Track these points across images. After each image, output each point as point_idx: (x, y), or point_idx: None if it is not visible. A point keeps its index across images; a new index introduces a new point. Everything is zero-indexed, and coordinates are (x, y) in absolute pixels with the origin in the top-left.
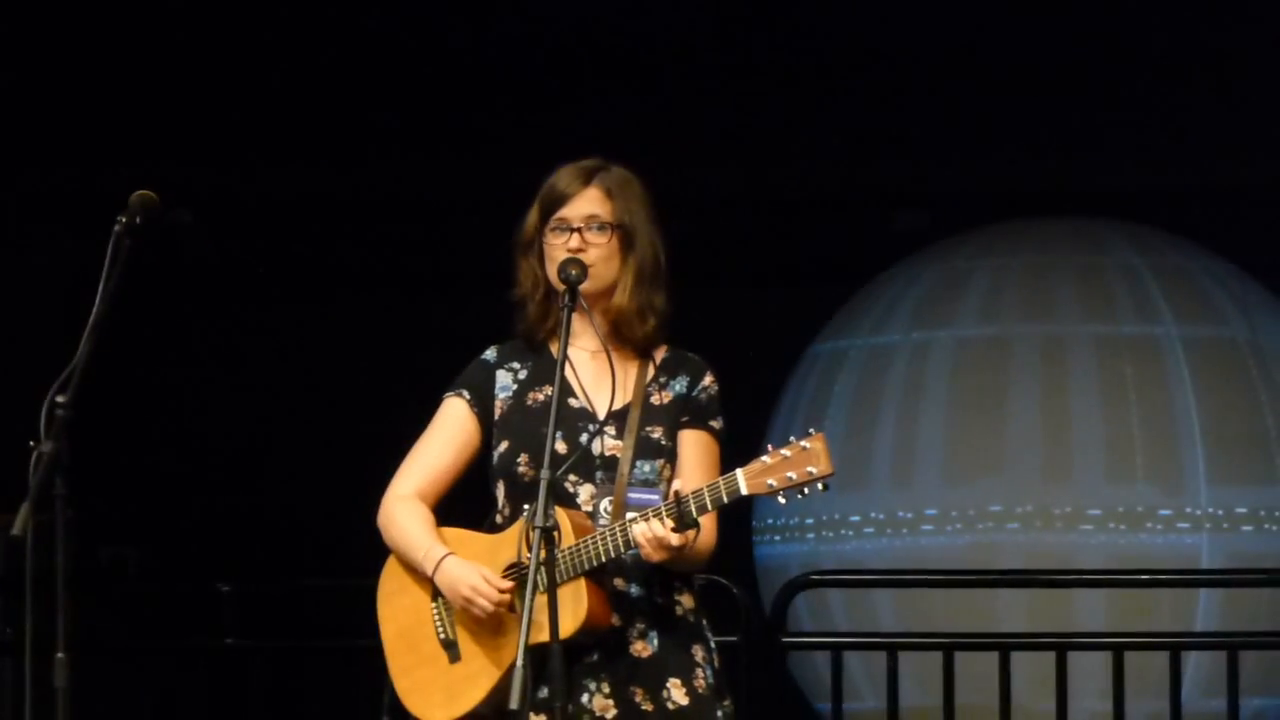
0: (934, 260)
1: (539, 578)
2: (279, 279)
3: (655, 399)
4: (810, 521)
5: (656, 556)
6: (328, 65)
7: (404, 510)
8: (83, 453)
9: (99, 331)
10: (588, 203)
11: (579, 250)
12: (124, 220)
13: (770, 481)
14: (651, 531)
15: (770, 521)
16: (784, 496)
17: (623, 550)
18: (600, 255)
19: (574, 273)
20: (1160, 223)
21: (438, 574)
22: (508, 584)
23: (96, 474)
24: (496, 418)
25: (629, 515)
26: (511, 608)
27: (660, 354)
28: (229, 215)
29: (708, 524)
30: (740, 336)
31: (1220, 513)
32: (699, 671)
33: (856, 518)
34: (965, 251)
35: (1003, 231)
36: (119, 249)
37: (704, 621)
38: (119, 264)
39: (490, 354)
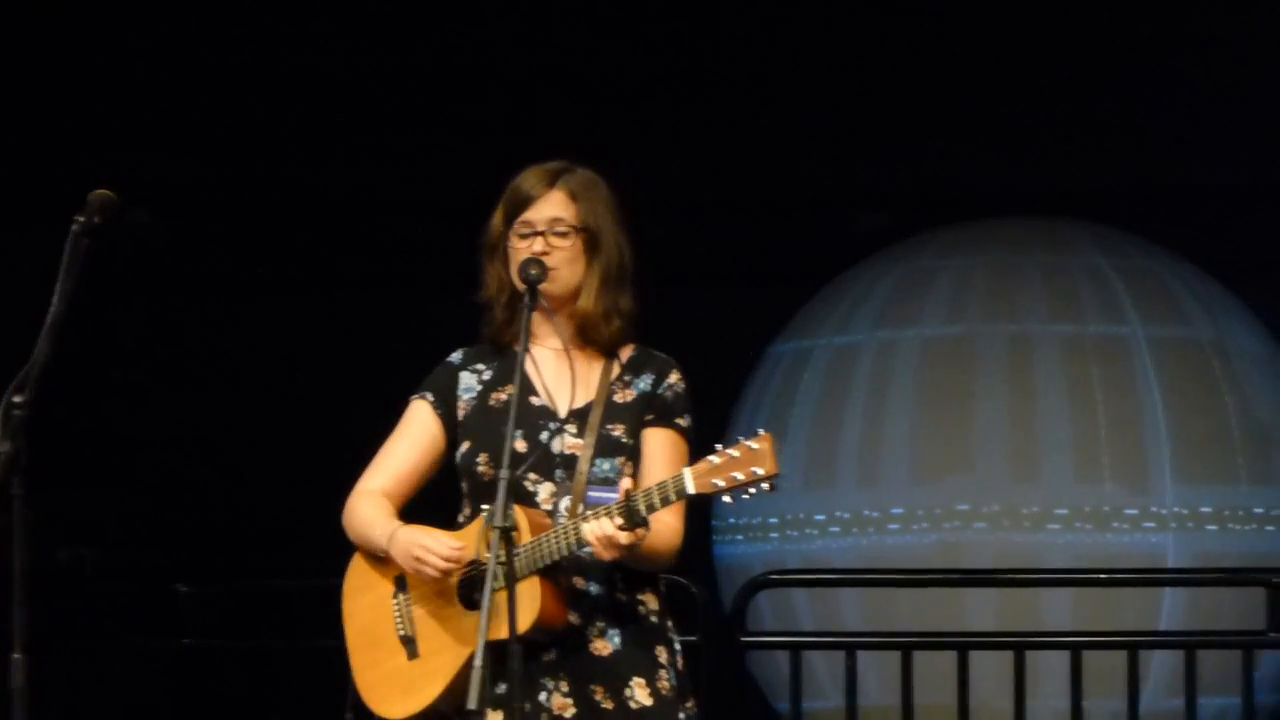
0: (898, 260)
1: (497, 576)
2: (238, 277)
3: (618, 397)
4: (774, 521)
5: (607, 555)
6: (299, 62)
7: (365, 501)
8: (41, 452)
9: (57, 331)
10: (551, 205)
11: (543, 253)
12: (82, 220)
13: (716, 481)
14: (600, 529)
15: (732, 521)
16: (730, 497)
17: (575, 548)
18: (565, 258)
19: (534, 272)
20: (1118, 222)
21: (391, 544)
22: (459, 544)
23: (54, 474)
24: (460, 419)
25: (582, 513)
26: (473, 604)
27: (626, 352)
28: (189, 210)
29: (673, 523)
30: (701, 336)
31: (1185, 512)
32: (662, 672)
33: (822, 516)
34: (929, 251)
35: (966, 231)
36: (77, 249)
37: (669, 623)
38: (77, 263)
39: (456, 356)
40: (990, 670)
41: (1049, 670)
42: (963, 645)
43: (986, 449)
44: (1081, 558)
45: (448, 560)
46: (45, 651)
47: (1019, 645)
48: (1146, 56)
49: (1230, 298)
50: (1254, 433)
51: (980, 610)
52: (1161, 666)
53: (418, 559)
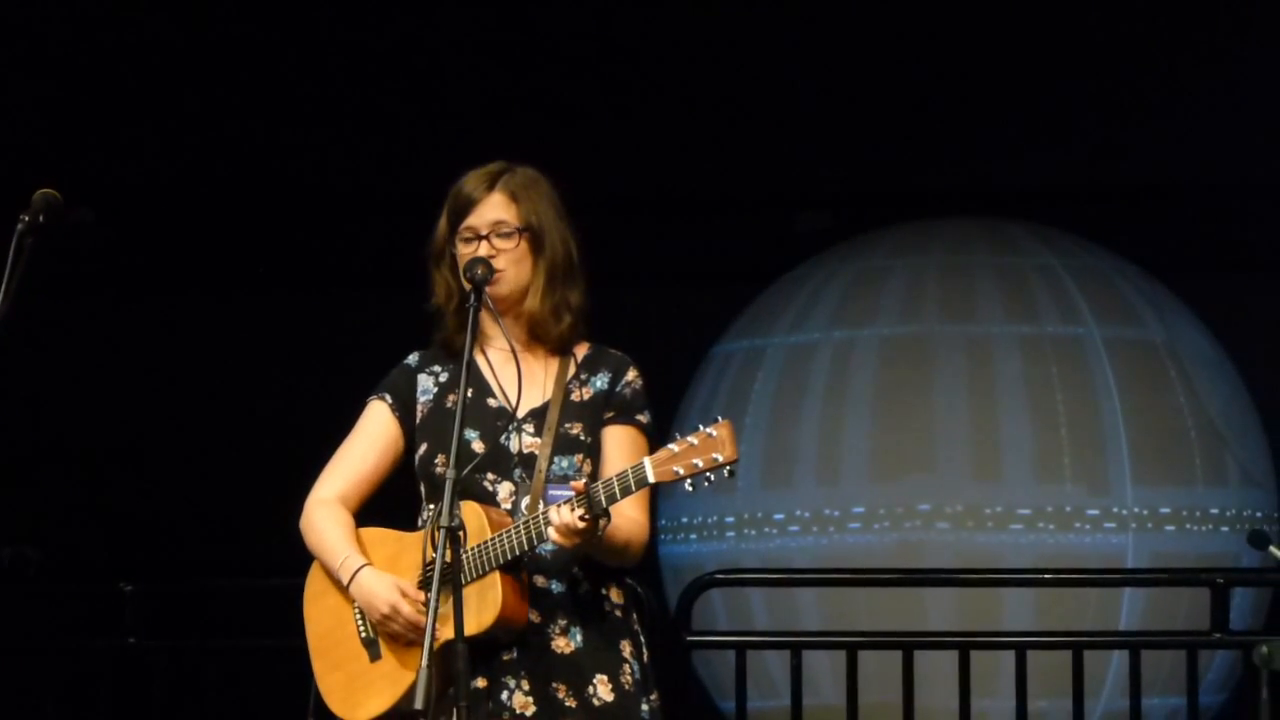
0: (848, 259)
1: (456, 577)
2: (180, 276)
3: (575, 396)
4: (730, 520)
5: (568, 542)
6: (257, 58)
7: (323, 515)
8: None
9: (1, 330)
10: (493, 208)
11: (489, 256)
12: (26, 219)
13: (677, 469)
14: (561, 518)
15: (685, 520)
16: (691, 484)
17: (536, 543)
18: (510, 259)
19: (480, 272)
20: (1050, 223)
21: (353, 586)
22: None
23: None
24: (418, 421)
25: (541, 511)
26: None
27: (582, 351)
28: (129, 209)
29: (638, 517)
30: (642, 336)
31: (1145, 513)
32: (626, 667)
33: (781, 515)
34: (880, 251)
35: (913, 231)
36: (21, 247)
37: (633, 616)
38: (21, 262)
39: (413, 358)
40: (950, 670)
41: (1011, 671)
42: (908, 645)
43: (948, 448)
44: (1043, 558)
45: (418, 625)
46: None
47: (964, 645)
48: (1083, 57)
49: (1173, 298)
50: (1208, 434)
51: (941, 610)
52: (1120, 666)
53: (386, 617)
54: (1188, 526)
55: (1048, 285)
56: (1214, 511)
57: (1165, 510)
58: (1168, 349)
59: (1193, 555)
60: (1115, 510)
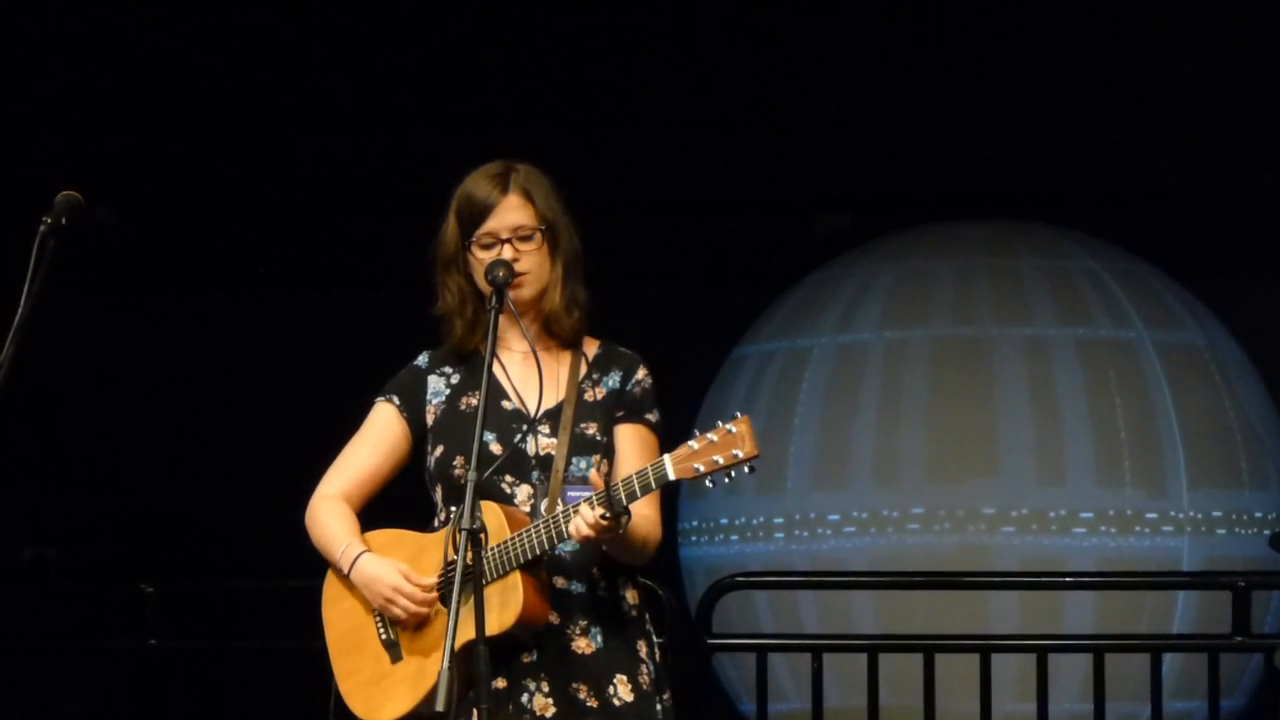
0: (886, 259)
1: (477, 579)
2: (198, 275)
3: (589, 395)
4: (779, 521)
5: (591, 535)
6: (249, 56)
7: (326, 509)
8: (4, 453)
9: (23, 333)
10: (511, 211)
11: (513, 260)
12: (49, 220)
13: (697, 466)
14: (580, 516)
15: (725, 521)
16: (711, 481)
17: (556, 542)
18: (534, 261)
19: (501, 274)
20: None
21: (354, 572)
22: (430, 581)
23: (17, 474)
24: (430, 423)
25: (560, 508)
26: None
27: (593, 350)
28: (146, 209)
29: (651, 514)
30: (658, 338)
31: (1199, 516)
32: (643, 667)
33: (836, 516)
34: (919, 252)
35: (950, 232)
36: (43, 249)
37: (646, 615)
38: (43, 264)
39: (422, 359)
40: (1019, 673)
41: (1065, 673)
42: (928, 648)
43: (1011, 451)
44: (1105, 562)
45: (421, 606)
46: (9, 652)
47: (984, 649)
48: (1103, 60)
49: (1199, 302)
50: (1250, 437)
51: (1005, 614)
52: (1171, 668)
53: (388, 600)
54: (1236, 530)
55: (1095, 289)
56: (1258, 515)
57: (1217, 514)
58: (1210, 353)
59: (1241, 559)
60: (1172, 514)
